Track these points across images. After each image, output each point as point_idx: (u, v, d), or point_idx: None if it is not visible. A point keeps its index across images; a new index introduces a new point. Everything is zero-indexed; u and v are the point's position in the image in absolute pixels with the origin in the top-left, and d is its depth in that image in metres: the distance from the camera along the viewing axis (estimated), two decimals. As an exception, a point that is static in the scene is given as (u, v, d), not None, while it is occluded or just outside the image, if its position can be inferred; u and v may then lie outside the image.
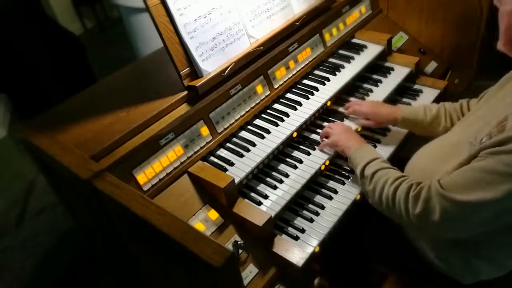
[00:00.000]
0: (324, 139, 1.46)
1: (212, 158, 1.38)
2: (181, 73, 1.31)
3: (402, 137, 1.53)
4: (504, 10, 1.01)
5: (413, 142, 1.49)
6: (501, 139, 0.92)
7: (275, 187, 1.34)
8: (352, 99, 1.66)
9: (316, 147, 1.46)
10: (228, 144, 1.43)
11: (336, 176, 1.42)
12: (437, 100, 1.72)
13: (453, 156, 1.08)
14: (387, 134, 1.56)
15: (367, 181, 1.19)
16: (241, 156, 1.37)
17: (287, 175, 1.37)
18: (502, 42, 1.05)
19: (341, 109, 1.62)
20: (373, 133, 1.57)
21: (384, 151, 1.49)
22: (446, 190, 0.99)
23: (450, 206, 0.98)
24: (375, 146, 1.52)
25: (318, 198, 1.37)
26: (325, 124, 1.56)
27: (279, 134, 1.44)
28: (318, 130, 1.54)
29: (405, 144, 1.54)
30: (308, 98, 1.58)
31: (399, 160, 1.44)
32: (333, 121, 1.57)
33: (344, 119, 1.59)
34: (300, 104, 1.55)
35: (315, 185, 1.41)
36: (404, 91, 1.77)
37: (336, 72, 1.69)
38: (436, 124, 1.41)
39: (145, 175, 1.22)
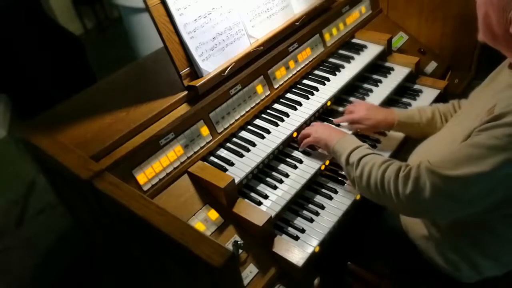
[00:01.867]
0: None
1: (212, 158, 1.38)
2: (181, 73, 1.31)
3: (401, 138, 1.53)
4: (480, 0, 1.02)
5: (413, 142, 1.48)
6: (491, 117, 0.93)
7: (275, 187, 1.34)
8: (352, 99, 1.66)
9: (299, 148, 1.45)
10: (228, 144, 1.43)
11: (336, 176, 1.42)
12: (437, 100, 1.72)
13: (447, 149, 1.07)
14: (386, 134, 1.56)
15: (353, 168, 1.18)
16: (241, 156, 1.37)
17: (287, 175, 1.37)
18: (482, 33, 1.06)
19: (341, 109, 1.62)
20: (372, 133, 1.57)
21: (385, 151, 1.49)
22: (436, 166, 0.99)
23: (440, 182, 0.97)
24: (375, 147, 1.52)
25: (318, 198, 1.37)
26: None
27: (279, 134, 1.44)
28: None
29: (404, 145, 1.53)
30: (308, 98, 1.58)
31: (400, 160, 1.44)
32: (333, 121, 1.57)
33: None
34: (300, 104, 1.55)
35: (315, 185, 1.41)
36: (404, 91, 1.77)
37: (336, 72, 1.69)
38: (432, 127, 1.40)
39: (145, 175, 1.22)
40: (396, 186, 1.05)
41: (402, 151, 1.52)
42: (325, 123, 1.49)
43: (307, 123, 1.53)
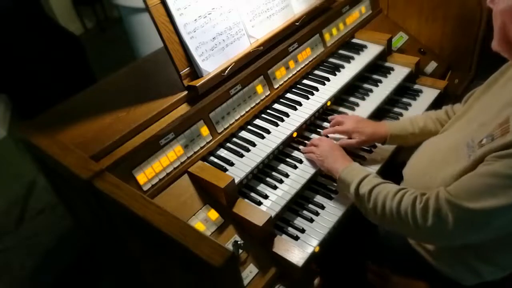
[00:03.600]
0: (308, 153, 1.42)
1: (212, 158, 1.38)
2: (181, 73, 1.31)
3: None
4: (497, 9, 1.00)
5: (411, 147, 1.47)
6: (507, 142, 0.90)
7: (275, 187, 1.34)
8: (353, 99, 1.66)
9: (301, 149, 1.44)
10: (228, 144, 1.43)
11: (336, 176, 1.42)
12: (437, 100, 1.72)
13: (452, 160, 1.06)
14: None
15: (365, 200, 1.15)
16: (241, 156, 1.37)
17: (287, 175, 1.37)
18: (497, 42, 1.04)
19: (341, 109, 1.62)
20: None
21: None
22: (457, 198, 0.96)
23: (463, 215, 0.95)
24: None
25: (318, 198, 1.37)
26: (325, 124, 1.56)
27: (279, 134, 1.44)
28: (318, 130, 1.54)
29: (399, 151, 1.51)
30: (308, 98, 1.58)
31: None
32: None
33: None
34: (300, 104, 1.55)
35: (315, 185, 1.41)
36: (404, 91, 1.77)
37: (336, 72, 1.69)
38: (426, 135, 1.36)
39: (145, 175, 1.22)
40: (415, 217, 1.02)
41: (401, 152, 1.52)
42: (335, 142, 1.42)
43: (307, 123, 1.53)
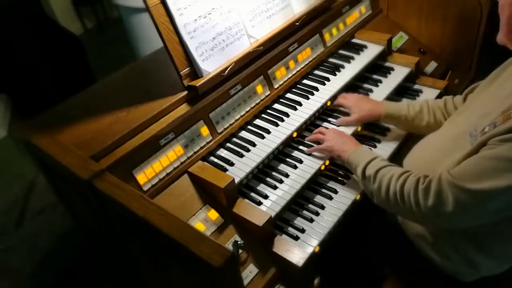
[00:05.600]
0: (314, 144, 1.44)
1: (212, 158, 1.38)
2: (181, 73, 1.31)
3: (402, 137, 1.53)
4: (504, 1, 1.02)
5: (413, 141, 1.48)
6: (510, 126, 0.92)
7: (275, 187, 1.34)
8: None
9: (305, 150, 1.44)
10: (228, 144, 1.43)
11: (336, 176, 1.42)
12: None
13: (455, 150, 1.08)
14: (387, 134, 1.56)
15: (370, 181, 1.18)
16: (241, 156, 1.37)
17: (287, 175, 1.37)
18: (504, 33, 1.05)
19: (341, 109, 1.62)
20: (373, 133, 1.57)
21: (385, 150, 1.49)
22: (458, 179, 0.98)
23: (463, 196, 0.97)
24: (374, 147, 1.52)
25: (318, 198, 1.37)
26: (325, 124, 1.56)
27: (279, 134, 1.44)
28: (318, 130, 1.54)
29: (405, 144, 1.54)
30: (308, 98, 1.58)
31: (399, 159, 1.44)
32: (333, 121, 1.57)
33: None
34: (300, 104, 1.55)
35: (315, 185, 1.41)
36: (404, 91, 1.77)
37: (336, 72, 1.69)
38: (419, 120, 1.42)
39: (145, 175, 1.22)
40: (417, 198, 1.04)
41: (405, 147, 1.52)
42: (339, 129, 1.49)
43: (307, 123, 1.53)
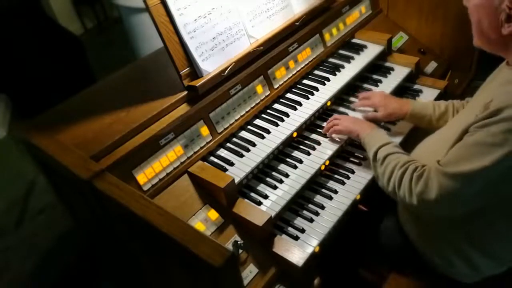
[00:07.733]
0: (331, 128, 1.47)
1: (212, 158, 1.38)
2: (181, 73, 1.31)
3: (406, 132, 1.54)
4: (472, 5, 1.06)
5: (416, 137, 1.48)
6: (487, 113, 0.97)
7: (275, 187, 1.34)
8: (353, 99, 1.66)
9: (324, 140, 1.47)
10: (228, 144, 1.43)
11: (336, 176, 1.42)
12: (437, 100, 1.72)
13: (449, 144, 1.09)
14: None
15: (378, 164, 1.22)
16: (241, 156, 1.37)
17: (287, 175, 1.37)
18: (477, 37, 1.09)
19: (341, 109, 1.62)
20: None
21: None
22: (443, 166, 1.04)
23: (445, 180, 1.02)
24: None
25: (318, 198, 1.37)
26: (325, 124, 1.56)
27: (279, 134, 1.44)
28: (318, 130, 1.54)
29: (408, 139, 1.54)
30: (308, 98, 1.58)
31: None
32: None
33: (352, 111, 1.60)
34: (300, 104, 1.55)
35: (315, 185, 1.41)
36: (404, 91, 1.77)
37: (336, 72, 1.69)
38: (443, 121, 1.42)
39: (145, 175, 1.22)
40: (410, 185, 1.09)
41: (408, 143, 1.52)
42: (352, 115, 1.53)
43: (307, 123, 1.53)
